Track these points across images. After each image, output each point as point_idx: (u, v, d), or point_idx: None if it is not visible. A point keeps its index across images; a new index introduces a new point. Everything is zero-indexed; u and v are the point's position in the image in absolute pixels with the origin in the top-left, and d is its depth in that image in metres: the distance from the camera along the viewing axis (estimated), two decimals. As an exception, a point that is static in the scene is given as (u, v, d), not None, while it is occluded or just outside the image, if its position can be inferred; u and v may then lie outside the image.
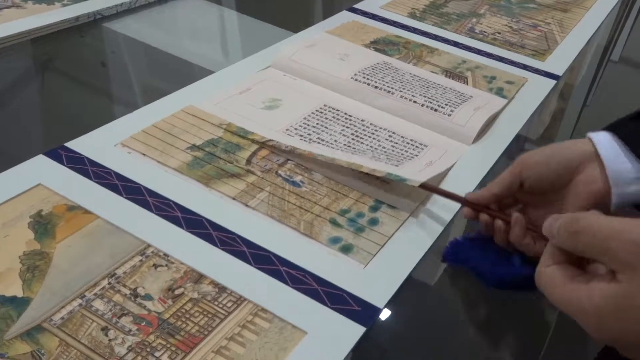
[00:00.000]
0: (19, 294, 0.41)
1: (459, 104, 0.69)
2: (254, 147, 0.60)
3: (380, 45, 0.85)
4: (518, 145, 0.70)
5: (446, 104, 0.68)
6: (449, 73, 0.79)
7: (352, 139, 0.62)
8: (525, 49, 0.91)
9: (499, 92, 0.76)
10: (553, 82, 0.82)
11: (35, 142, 0.60)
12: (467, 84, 0.77)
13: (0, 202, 0.48)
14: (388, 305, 0.45)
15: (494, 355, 0.46)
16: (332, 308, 0.44)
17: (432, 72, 0.79)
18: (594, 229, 0.29)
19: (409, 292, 0.47)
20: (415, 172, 0.56)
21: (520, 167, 0.46)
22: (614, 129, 0.45)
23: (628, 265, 0.27)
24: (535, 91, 0.79)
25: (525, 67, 0.85)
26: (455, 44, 0.89)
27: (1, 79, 0.70)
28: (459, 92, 0.73)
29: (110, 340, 0.39)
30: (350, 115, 0.67)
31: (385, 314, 0.44)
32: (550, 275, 0.31)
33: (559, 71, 0.85)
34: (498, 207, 0.48)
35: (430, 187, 0.53)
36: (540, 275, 0.32)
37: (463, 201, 0.49)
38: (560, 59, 0.89)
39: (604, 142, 0.44)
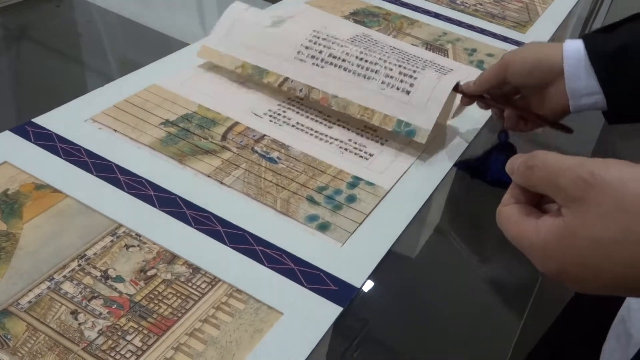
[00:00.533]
0: (-15, 277, 0.40)
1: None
2: (230, 122, 0.58)
3: (360, 16, 0.83)
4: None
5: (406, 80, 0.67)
6: (430, 45, 0.78)
7: (323, 119, 0.61)
8: (506, 20, 0.89)
9: (480, 64, 0.75)
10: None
11: (1, 118, 0.58)
12: (448, 56, 0.76)
13: (-36, 181, 0.47)
14: (365, 284, 0.44)
15: (477, 324, 0.46)
16: (308, 288, 0.43)
17: (413, 44, 0.77)
18: (547, 164, 0.29)
19: (391, 264, 0.46)
20: (383, 170, 0.55)
21: (504, 71, 0.55)
22: (586, 39, 0.52)
23: (574, 199, 0.28)
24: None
25: (505, 39, 0.84)
26: (436, 16, 0.87)
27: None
28: (439, 64, 0.72)
29: (80, 324, 0.38)
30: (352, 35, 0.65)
31: (367, 286, 0.44)
32: (507, 213, 0.32)
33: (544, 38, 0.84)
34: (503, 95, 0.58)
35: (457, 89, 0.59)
36: (498, 214, 0.33)
37: (459, 91, 0.58)
38: (541, 30, 0.88)
39: (571, 57, 0.52)
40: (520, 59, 0.54)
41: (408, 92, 0.57)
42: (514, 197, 0.32)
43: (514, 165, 0.32)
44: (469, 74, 0.70)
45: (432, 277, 0.50)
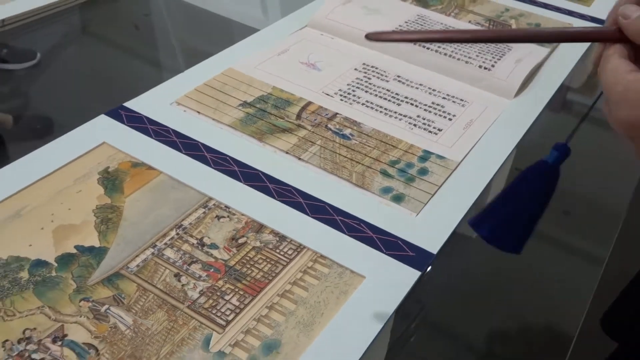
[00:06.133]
0: (96, 244, 0.44)
1: (500, 56, 0.69)
2: (303, 102, 0.61)
3: (422, -4, 0.84)
4: (560, 95, 0.69)
5: (486, 58, 0.68)
6: (493, 21, 0.78)
7: (391, 97, 0.63)
8: (570, -6, 0.89)
9: (544, 40, 0.75)
10: (599, 27, 0.80)
11: (94, 104, 0.63)
12: (511, 33, 0.76)
13: (70, 159, 0.51)
14: (441, 251, 0.46)
15: (542, 304, 0.47)
16: (387, 254, 0.46)
17: (476, 22, 0.78)
18: None
19: (451, 244, 0.48)
20: (452, 144, 0.57)
21: None
22: None
23: None
24: (581, 38, 0.78)
25: (570, 12, 0.84)
26: (498, -8, 0.87)
27: (47, 44, 0.73)
28: (499, 44, 0.72)
29: (182, 285, 0.42)
30: (387, 72, 0.67)
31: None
32: (610, 57, 0.33)
33: (605, 15, 0.83)
34: None
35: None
36: (603, 59, 0.33)
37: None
38: (606, 3, 0.87)
39: None
40: None
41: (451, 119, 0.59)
42: (617, 51, 0.33)
43: (628, 13, 0.33)
44: (530, 53, 0.71)
45: (493, 258, 0.50)
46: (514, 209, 0.37)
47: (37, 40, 0.72)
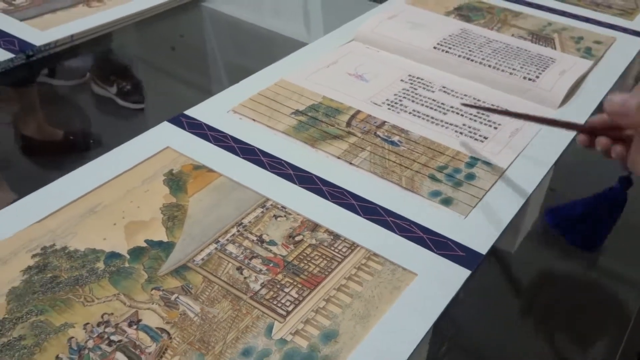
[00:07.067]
0: (164, 239, 0.48)
1: (544, 68, 0.71)
2: (352, 110, 0.64)
3: (464, 11, 0.86)
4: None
5: (530, 69, 0.70)
6: (536, 35, 0.80)
7: (437, 107, 0.65)
8: (612, 8, 0.90)
9: (588, 51, 0.77)
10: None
11: (155, 112, 0.67)
12: (555, 45, 0.78)
13: (138, 162, 0.55)
14: (490, 252, 0.48)
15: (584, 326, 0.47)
16: (438, 253, 0.48)
17: (519, 36, 0.80)
18: None
19: (489, 259, 0.48)
20: (498, 151, 0.59)
21: None
22: None
23: None
24: (624, 50, 0.79)
25: (612, 26, 0.85)
26: (539, 7, 0.89)
27: (117, 57, 0.78)
28: (543, 55, 0.74)
29: (245, 278, 0.45)
30: (433, 83, 0.69)
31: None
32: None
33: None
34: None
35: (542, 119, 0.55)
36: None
37: (580, 129, 0.48)
38: (650, 17, 0.88)
39: None
40: None
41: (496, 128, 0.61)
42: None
43: (624, 108, 0.34)
44: (574, 64, 0.72)
45: (533, 273, 0.50)
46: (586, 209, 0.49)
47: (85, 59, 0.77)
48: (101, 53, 0.78)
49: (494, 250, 0.49)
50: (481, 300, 0.47)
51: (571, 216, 0.50)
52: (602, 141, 0.45)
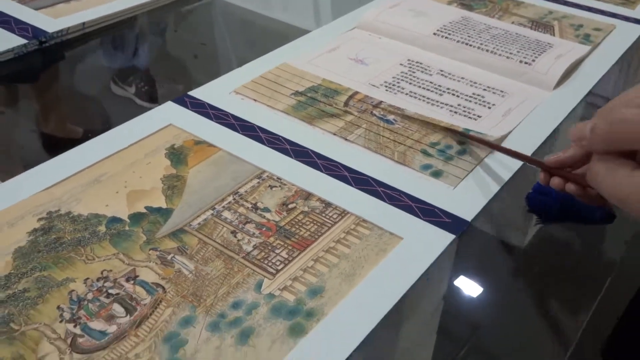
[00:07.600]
0: (163, 205, 0.50)
1: (541, 52, 0.72)
2: (350, 91, 0.66)
3: (466, 0, 0.88)
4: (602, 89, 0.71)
5: (527, 54, 0.71)
6: (536, 23, 0.81)
7: (434, 88, 0.67)
8: (614, -3, 0.91)
9: (586, 37, 0.78)
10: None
11: (163, 100, 0.69)
12: (554, 32, 0.79)
13: (142, 137, 0.58)
14: (475, 219, 0.50)
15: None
16: (424, 220, 0.49)
17: (519, 23, 0.81)
18: (624, 117, 0.32)
19: (500, 254, 0.49)
20: (492, 127, 0.60)
21: None
22: None
23: None
24: (623, 37, 0.80)
25: (614, 15, 0.86)
26: (541, -3, 0.90)
27: (128, 44, 0.81)
28: (541, 41, 0.75)
29: (238, 240, 0.47)
30: (431, 67, 0.71)
31: (477, 286, 0.46)
32: (595, 169, 0.35)
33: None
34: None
35: (505, 149, 0.54)
36: (589, 173, 0.36)
37: (541, 165, 0.47)
38: (652, 5, 0.88)
39: None
40: None
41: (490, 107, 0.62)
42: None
43: (584, 132, 0.35)
44: (571, 49, 0.73)
45: (548, 267, 0.49)
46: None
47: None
48: (121, 53, 0.82)
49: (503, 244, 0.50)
50: (499, 302, 0.46)
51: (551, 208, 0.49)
52: (554, 182, 0.45)
